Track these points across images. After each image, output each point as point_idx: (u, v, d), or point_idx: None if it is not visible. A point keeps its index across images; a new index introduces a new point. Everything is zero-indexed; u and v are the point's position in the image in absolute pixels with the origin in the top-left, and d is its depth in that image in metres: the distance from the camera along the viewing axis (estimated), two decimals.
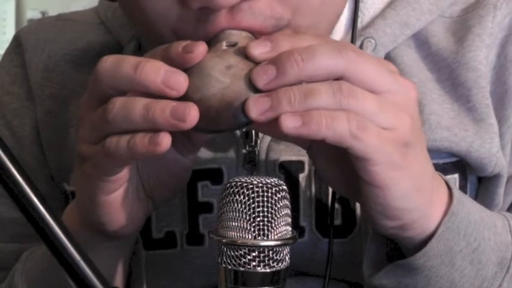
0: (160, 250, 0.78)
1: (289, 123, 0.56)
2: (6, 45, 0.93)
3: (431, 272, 0.66)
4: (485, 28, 0.78)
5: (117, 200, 0.64)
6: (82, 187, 0.66)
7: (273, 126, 0.57)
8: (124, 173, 0.63)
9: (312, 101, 0.57)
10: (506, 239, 0.69)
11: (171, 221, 0.77)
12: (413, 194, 0.61)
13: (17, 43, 0.89)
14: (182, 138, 0.64)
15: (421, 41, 0.79)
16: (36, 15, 3.11)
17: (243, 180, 0.58)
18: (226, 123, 0.59)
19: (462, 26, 0.79)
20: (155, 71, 0.59)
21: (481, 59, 0.77)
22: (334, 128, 0.56)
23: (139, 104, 0.59)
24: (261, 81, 0.58)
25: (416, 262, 0.65)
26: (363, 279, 0.69)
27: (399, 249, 0.68)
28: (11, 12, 3.16)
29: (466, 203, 0.67)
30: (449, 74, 0.78)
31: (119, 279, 0.72)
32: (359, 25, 0.78)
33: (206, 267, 0.76)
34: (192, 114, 0.58)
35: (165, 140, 0.58)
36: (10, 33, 3.07)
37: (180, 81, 0.59)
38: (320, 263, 0.73)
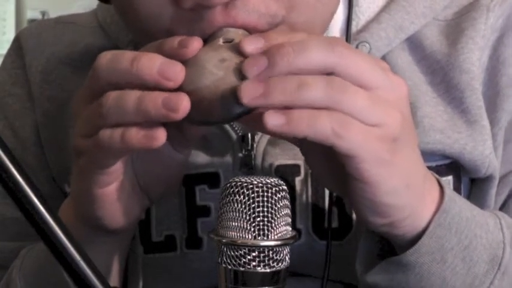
0: (160, 253, 0.78)
1: (273, 121, 0.56)
2: (6, 45, 0.93)
3: (422, 269, 0.66)
4: (478, 31, 0.78)
5: (112, 194, 0.65)
6: (78, 180, 0.66)
7: (261, 121, 0.57)
8: (118, 166, 0.63)
9: (303, 92, 0.57)
10: (497, 237, 0.69)
11: (171, 225, 0.77)
12: (402, 190, 0.62)
13: (17, 45, 0.90)
14: (176, 132, 0.64)
15: (414, 44, 0.79)
16: (36, 15, 3.10)
17: (243, 180, 0.58)
18: (218, 115, 0.59)
19: (456, 29, 0.79)
20: (151, 63, 0.59)
21: (474, 61, 0.77)
22: (316, 126, 0.56)
23: (133, 96, 0.59)
24: (251, 72, 0.58)
25: (407, 259, 0.66)
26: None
27: (392, 247, 0.69)
28: (11, 12, 3.15)
29: (457, 201, 0.67)
30: (443, 77, 0.78)
31: (115, 276, 0.73)
32: (354, 29, 0.78)
33: (205, 270, 0.76)
34: (184, 104, 0.58)
35: (161, 134, 0.59)
36: (10, 33, 3.07)
37: (176, 71, 0.59)
38: (317, 265, 0.73)
